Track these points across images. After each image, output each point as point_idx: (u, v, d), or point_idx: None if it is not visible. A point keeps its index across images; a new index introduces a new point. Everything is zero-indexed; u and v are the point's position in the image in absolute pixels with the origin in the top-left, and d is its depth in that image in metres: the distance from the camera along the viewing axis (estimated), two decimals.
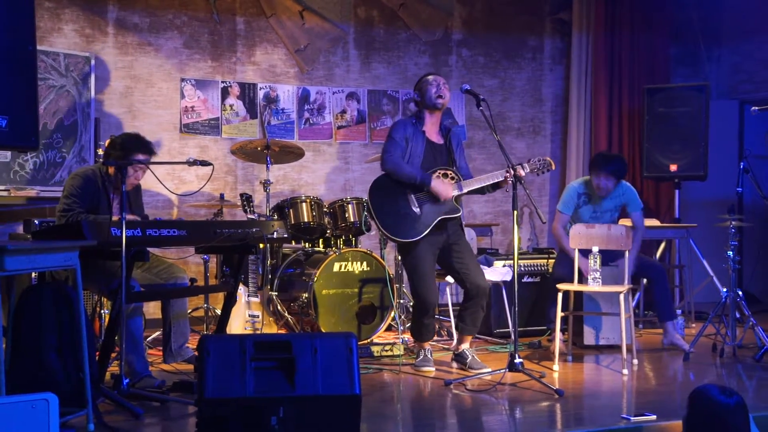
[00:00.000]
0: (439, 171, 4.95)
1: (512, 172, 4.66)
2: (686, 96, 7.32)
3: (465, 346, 5.11)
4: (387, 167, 4.95)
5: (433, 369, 5.00)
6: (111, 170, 4.57)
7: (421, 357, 5.08)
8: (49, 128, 6.18)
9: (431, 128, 5.06)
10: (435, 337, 6.01)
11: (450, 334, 5.95)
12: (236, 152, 6.38)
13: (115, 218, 4.33)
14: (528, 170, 4.88)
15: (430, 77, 5.07)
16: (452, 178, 4.96)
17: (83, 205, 4.46)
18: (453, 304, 6.00)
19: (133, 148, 4.52)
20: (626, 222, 5.90)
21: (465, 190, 4.95)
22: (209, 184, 6.35)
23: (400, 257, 5.09)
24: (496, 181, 4.89)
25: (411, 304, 6.34)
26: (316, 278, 5.65)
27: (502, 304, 6.10)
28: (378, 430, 3.81)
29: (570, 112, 8.05)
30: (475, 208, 7.84)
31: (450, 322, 5.97)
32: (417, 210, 4.89)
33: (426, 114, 5.05)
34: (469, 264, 5.01)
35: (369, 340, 5.78)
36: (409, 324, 5.92)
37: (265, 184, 6.13)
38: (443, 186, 4.89)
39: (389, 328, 6.10)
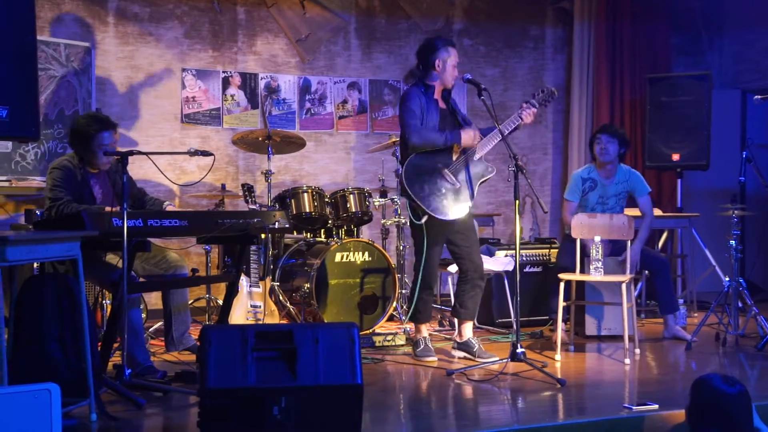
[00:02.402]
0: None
1: (522, 120, 4.76)
2: (688, 85, 7.30)
3: (469, 333, 5.08)
4: (413, 140, 4.79)
5: (435, 358, 4.99)
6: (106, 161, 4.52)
7: (422, 347, 5.05)
8: (50, 118, 6.16)
9: (438, 95, 5.00)
10: (437, 327, 6.02)
11: (452, 324, 5.94)
12: (237, 142, 6.38)
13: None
14: (537, 106, 4.85)
15: (453, 54, 4.93)
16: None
17: (69, 194, 4.41)
18: (455, 295, 5.98)
19: (98, 129, 4.44)
20: (634, 212, 5.86)
21: (484, 151, 4.92)
22: (210, 175, 6.33)
23: (411, 229, 5.02)
24: (515, 126, 4.85)
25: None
26: (317, 268, 5.65)
27: (504, 294, 6.09)
28: (380, 419, 3.82)
29: (572, 101, 8.03)
30: (477, 198, 7.79)
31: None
32: (456, 183, 4.84)
33: (437, 82, 4.95)
34: (472, 244, 5.02)
35: (371, 330, 5.78)
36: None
37: (267, 174, 6.12)
38: (470, 134, 4.87)
39: (391, 318, 6.10)
